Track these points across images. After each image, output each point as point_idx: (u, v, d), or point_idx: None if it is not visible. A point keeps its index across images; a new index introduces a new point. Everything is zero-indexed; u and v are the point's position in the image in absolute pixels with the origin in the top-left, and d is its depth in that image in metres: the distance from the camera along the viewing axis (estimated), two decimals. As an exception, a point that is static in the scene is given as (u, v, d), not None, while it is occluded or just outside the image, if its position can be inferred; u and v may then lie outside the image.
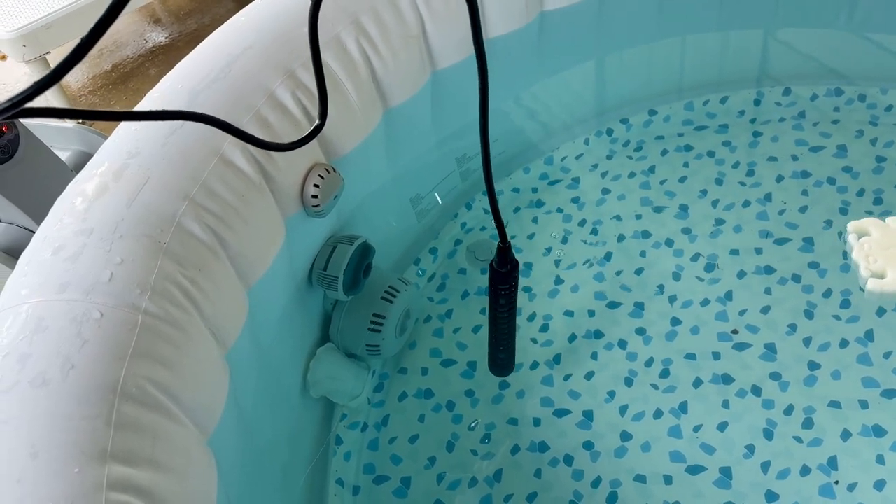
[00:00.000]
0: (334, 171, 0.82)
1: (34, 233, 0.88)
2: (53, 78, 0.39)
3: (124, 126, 0.74)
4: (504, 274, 0.76)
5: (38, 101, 0.40)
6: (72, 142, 0.95)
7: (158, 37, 2.05)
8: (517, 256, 1.05)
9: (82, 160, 0.95)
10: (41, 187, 0.87)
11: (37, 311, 0.57)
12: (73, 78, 1.96)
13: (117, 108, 1.84)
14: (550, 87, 1.10)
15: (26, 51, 1.59)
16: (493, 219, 0.72)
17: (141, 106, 0.76)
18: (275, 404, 0.84)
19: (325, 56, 0.81)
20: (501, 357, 0.88)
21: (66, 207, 0.66)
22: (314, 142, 0.81)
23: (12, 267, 0.85)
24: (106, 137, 0.98)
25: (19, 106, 0.39)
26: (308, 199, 0.80)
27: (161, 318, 0.60)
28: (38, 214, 0.87)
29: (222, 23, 0.84)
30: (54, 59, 1.74)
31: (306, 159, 0.80)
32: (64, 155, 0.92)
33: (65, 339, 0.55)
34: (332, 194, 0.81)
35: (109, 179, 0.67)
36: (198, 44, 0.81)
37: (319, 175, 0.80)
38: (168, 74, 0.80)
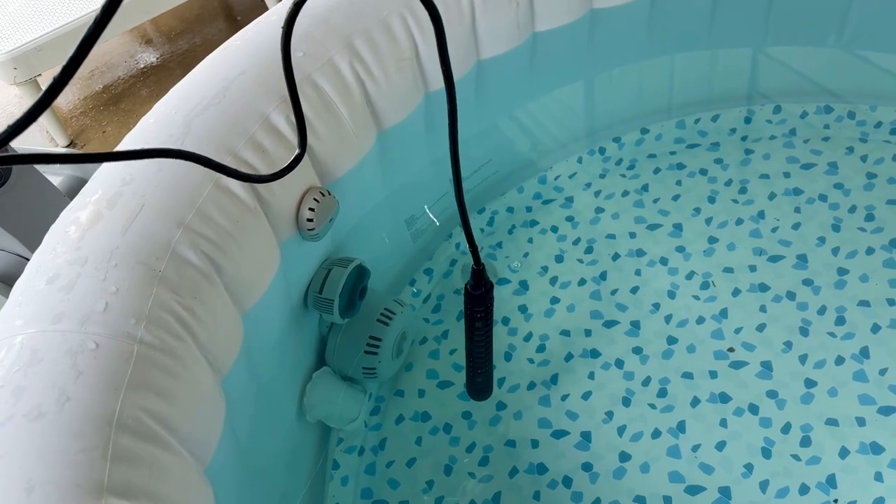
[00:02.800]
0: (329, 194, 0.82)
1: (28, 260, 0.88)
2: (44, 102, 0.39)
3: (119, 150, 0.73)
4: (479, 296, 0.76)
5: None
6: (64, 167, 0.94)
7: (150, 57, 2.05)
8: (513, 276, 1.05)
9: (75, 185, 0.95)
10: (34, 214, 0.86)
11: (31, 343, 0.57)
12: (64, 99, 1.96)
13: (108, 130, 1.84)
14: (543, 106, 1.10)
15: (17, 73, 1.59)
16: (467, 241, 0.72)
17: (136, 130, 0.76)
18: (270, 430, 0.83)
19: (319, 80, 0.81)
20: (479, 381, 0.87)
21: (59, 236, 0.66)
22: (308, 165, 0.81)
23: (6, 295, 0.84)
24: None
25: (14, 136, 0.39)
26: (303, 223, 0.80)
27: (156, 347, 0.59)
28: (32, 241, 0.87)
29: (214, 43, 0.84)
30: (45, 82, 1.74)
31: (301, 183, 0.80)
32: (56, 180, 0.92)
33: (60, 371, 0.55)
34: (327, 217, 0.81)
35: (103, 207, 0.66)
36: (189, 64, 0.81)
37: (314, 199, 0.80)
38: (162, 99, 0.80)
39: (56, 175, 0.92)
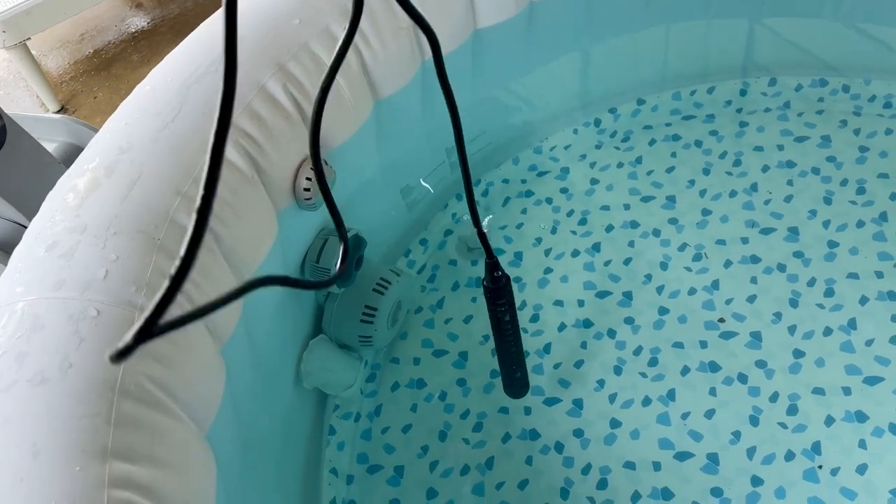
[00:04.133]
0: (327, 163, 0.82)
1: (24, 227, 0.88)
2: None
3: (114, 120, 0.73)
4: (500, 288, 0.77)
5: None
6: (58, 133, 0.94)
7: (140, 21, 2.02)
8: (507, 246, 1.06)
9: (69, 151, 0.94)
10: (30, 180, 0.86)
11: (33, 309, 0.57)
12: (54, 64, 1.93)
13: (99, 95, 1.82)
14: (539, 77, 1.10)
15: (6, 37, 1.56)
16: (479, 239, 0.72)
17: (132, 98, 0.75)
18: (268, 396, 0.84)
19: (316, 48, 0.81)
20: (518, 376, 0.87)
21: (58, 203, 0.66)
22: (305, 133, 0.81)
23: (4, 262, 0.84)
24: (93, 129, 0.98)
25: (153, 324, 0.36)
26: (300, 193, 0.80)
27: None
28: (27, 208, 0.87)
29: (206, 7, 0.84)
30: (35, 46, 1.72)
31: (298, 153, 0.80)
32: (51, 146, 0.91)
33: (62, 337, 0.55)
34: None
35: (101, 175, 0.67)
36: (181, 30, 0.81)
37: (312, 168, 0.80)
38: (157, 67, 0.80)
39: (50, 141, 0.91)
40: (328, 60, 0.81)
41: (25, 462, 0.49)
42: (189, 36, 0.82)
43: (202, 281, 0.66)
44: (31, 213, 0.87)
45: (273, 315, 0.83)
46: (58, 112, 1.78)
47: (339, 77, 0.83)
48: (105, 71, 1.89)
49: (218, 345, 0.68)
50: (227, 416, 0.68)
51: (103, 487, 0.50)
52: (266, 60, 0.77)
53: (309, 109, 0.80)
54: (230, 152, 0.72)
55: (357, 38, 0.84)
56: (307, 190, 0.80)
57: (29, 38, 1.63)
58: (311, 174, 0.80)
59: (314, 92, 0.80)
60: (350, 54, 0.84)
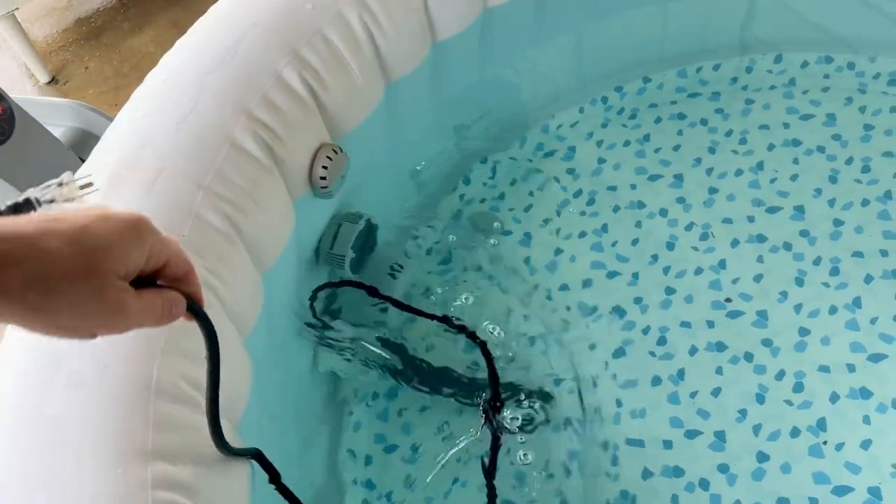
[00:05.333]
0: (341, 151, 0.82)
1: (34, 215, 0.87)
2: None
3: (130, 110, 0.73)
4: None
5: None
6: (65, 118, 0.92)
7: (128, -12, 1.97)
8: (516, 227, 1.07)
9: (76, 137, 0.93)
10: (39, 168, 0.85)
11: (63, 310, 0.57)
12: (42, 33, 1.89)
13: (91, 65, 1.78)
14: (546, 54, 1.09)
15: (-6, 9, 1.52)
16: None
17: (147, 87, 0.75)
18: (287, 382, 0.85)
19: (329, 33, 0.80)
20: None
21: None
22: (320, 122, 0.81)
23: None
24: (101, 113, 0.96)
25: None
26: (317, 181, 0.80)
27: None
28: (38, 197, 0.86)
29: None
30: (24, 18, 1.67)
31: (313, 140, 0.80)
32: (57, 132, 0.90)
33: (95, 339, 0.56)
34: (339, 174, 0.81)
35: (123, 170, 0.66)
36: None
37: (327, 156, 0.80)
38: (169, 52, 0.78)
39: (56, 126, 0.90)
40: (342, 46, 0.80)
41: (68, 466, 0.50)
42: (199, 21, 0.81)
43: (223, 271, 0.66)
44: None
45: (288, 303, 0.84)
46: (48, 83, 1.74)
47: (351, 61, 0.82)
48: (95, 40, 1.84)
49: (242, 337, 0.68)
50: (253, 406, 0.69)
51: (147, 489, 0.50)
52: (281, 47, 0.77)
53: (323, 96, 0.79)
54: (249, 143, 0.71)
55: (368, 21, 0.83)
56: (323, 178, 0.80)
57: (17, 9, 1.59)
58: (328, 162, 0.79)
59: (329, 78, 0.80)
60: (362, 37, 0.83)
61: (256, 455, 0.60)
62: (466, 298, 1.02)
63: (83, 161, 0.91)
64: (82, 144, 0.92)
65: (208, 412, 0.50)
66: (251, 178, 0.71)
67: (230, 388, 0.63)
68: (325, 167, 0.79)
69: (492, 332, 0.99)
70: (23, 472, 0.50)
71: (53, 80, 1.74)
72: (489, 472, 0.80)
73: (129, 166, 0.66)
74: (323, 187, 0.80)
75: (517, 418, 0.87)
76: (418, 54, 0.91)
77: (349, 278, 0.93)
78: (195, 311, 0.44)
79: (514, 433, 0.87)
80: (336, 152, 0.80)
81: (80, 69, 1.77)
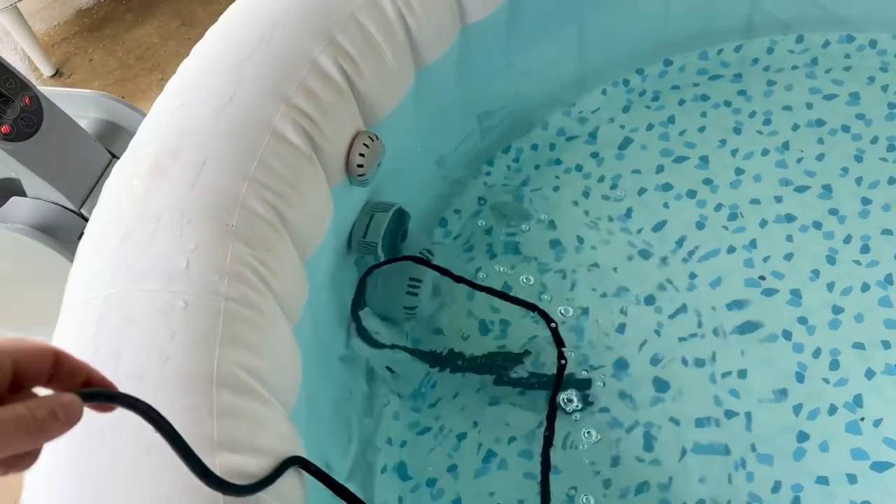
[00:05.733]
0: (377, 138, 0.81)
1: (64, 207, 0.86)
2: None
3: (166, 100, 0.71)
4: None
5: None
6: (90, 109, 0.91)
7: (129, -22, 1.95)
8: (542, 212, 1.07)
9: (102, 128, 0.92)
10: (68, 160, 0.84)
11: (118, 303, 0.57)
12: (43, 26, 1.86)
13: (95, 58, 1.76)
14: (569, 37, 1.09)
15: (-3, 1, 1.50)
16: None
17: (181, 78, 0.73)
18: (326, 372, 0.85)
19: (363, 18, 0.79)
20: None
21: (122, 190, 0.65)
22: (355, 109, 0.80)
23: (46, 243, 0.83)
24: (127, 104, 0.95)
25: None
26: (354, 169, 0.79)
27: (241, 301, 0.60)
28: (67, 188, 0.85)
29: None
30: (26, 10, 1.65)
31: (350, 128, 0.79)
32: (82, 123, 0.89)
33: (154, 331, 0.55)
34: (375, 162, 0.81)
35: (166, 160, 0.65)
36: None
37: (364, 144, 0.79)
38: (201, 43, 0.77)
39: (81, 118, 0.89)
40: (375, 31, 0.80)
41: (139, 460, 0.50)
42: (230, 9, 0.79)
43: (271, 261, 0.66)
44: (71, 193, 0.85)
45: (326, 292, 0.83)
46: (53, 77, 1.72)
47: (385, 46, 0.82)
48: (97, 31, 1.82)
49: (291, 326, 0.68)
50: (302, 399, 0.68)
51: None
52: (316, 33, 0.76)
53: (359, 82, 0.79)
54: (289, 131, 0.71)
55: (401, 5, 0.82)
56: (360, 166, 0.79)
57: (20, 0, 1.56)
58: (364, 149, 0.79)
59: (364, 64, 0.79)
60: (395, 21, 0.82)
61: (297, 462, 0.56)
62: (496, 284, 1.02)
63: (111, 153, 0.90)
64: (109, 136, 0.91)
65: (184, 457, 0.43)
66: (293, 166, 0.70)
67: (283, 383, 0.63)
68: (362, 154, 0.78)
69: (522, 318, 0.99)
70: (92, 471, 0.49)
71: (57, 73, 1.72)
72: (545, 461, 0.80)
73: (171, 157, 0.65)
74: (360, 175, 0.79)
75: (572, 400, 0.88)
76: (448, 38, 0.90)
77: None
78: (108, 395, 0.37)
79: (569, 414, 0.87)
80: (372, 140, 0.79)
81: (84, 62, 1.75)
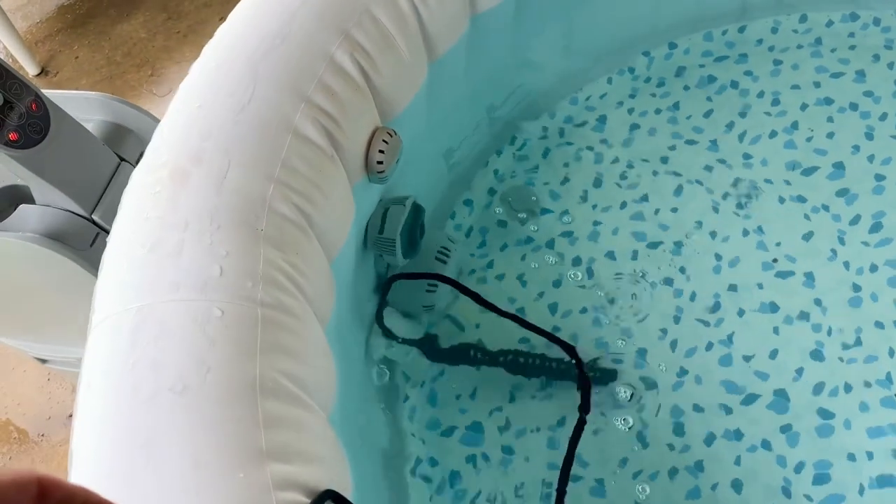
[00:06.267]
0: (395, 134, 0.80)
1: (75, 213, 0.84)
2: None
3: (183, 102, 0.70)
4: None
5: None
6: (95, 112, 0.89)
7: (109, -30, 1.90)
8: (554, 203, 1.06)
9: (108, 130, 0.89)
10: (77, 165, 0.82)
11: (153, 314, 0.55)
12: (25, 23, 1.81)
13: (81, 55, 1.72)
14: (574, 24, 1.07)
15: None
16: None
17: (196, 77, 0.72)
18: (349, 373, 0.84)
19: (377, 11, 0.77)
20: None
21: (145, 198, 0.63)
22: (372, 105, 0.79)
23: (59, 251, 0.81)
24: (132, 105, 0.92)
25: None
26: (373, 166, 0.78)
27: (277, 307, 0.59)
28: (78, 194, 0.83)
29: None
30: (3, 6, 1.60)
31: (368, 124, 0.78)
32: (88, 126, 0.87)
33: (193, 341, 0.54)
34: (395, 158, 0.80)
35: (188, 164, 0.64)
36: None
37: (384, 140, 0.78)
38: (213, 42, 0.75)
39: (86, 121, 0.87)
40: (389, 25, 0.78)
41: (189, 474, 0.49)
42: (239, 6, 0.78)
43: (302, 264, 0.64)
44: (81, 199, 0.83)
45: (348, 291, 0.82)
46: (38, 75, 1.68)
47: (399, 40, 0.80)
48: (81, 27, 1.77)
49: (323, 328, 0.67)
50: (337, 403, 0.67)
51: (269, 490, 0.49)
52: (331, 28, 0.74)
53: (375, 78, 0.77)
54: (310, 131, 0.69)
55: (413, -2, 0.81)
56: (380, 163, 0.78)
57: (1, -2, 1.52)
58: (384, 146, 0.77)
59: (379, 59, 0.78)
60: (408, 13, 0.80)
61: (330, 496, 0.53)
62: (510, 275, 1.02)
63: (118, 156, 0.88)
64: (115, 138, 0.89)
65: None
66: (316, 166, 0.69)
67: (322, 388, 0.62)
68: (381, 151, 0.77)
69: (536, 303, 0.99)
70: (145, 489, 0.48)
71: (43, 72, 1.68)
72: (570, 453, 0.80)
73: (193, 162, 0.64)
74: (380, 172, 0.78)
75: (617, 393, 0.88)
76: (459, 29, 0.89)
77: (400, 263, 0.91)
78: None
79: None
80: (391, 135, 0.78)
81: (70, 59, 1.71)
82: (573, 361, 0.88)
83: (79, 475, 0.51)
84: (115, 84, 1.63)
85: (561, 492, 0.80)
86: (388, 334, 0.90)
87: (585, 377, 0.84)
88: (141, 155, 0.92)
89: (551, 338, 0.89)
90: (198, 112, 0.68)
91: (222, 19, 1.77)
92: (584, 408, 0.84)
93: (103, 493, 0.51)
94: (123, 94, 1.59)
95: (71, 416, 1.20)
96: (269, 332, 0.57)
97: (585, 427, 0.87)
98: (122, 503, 0.49)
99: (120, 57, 1.69)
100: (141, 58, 1.66)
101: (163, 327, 0.54)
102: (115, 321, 0.56)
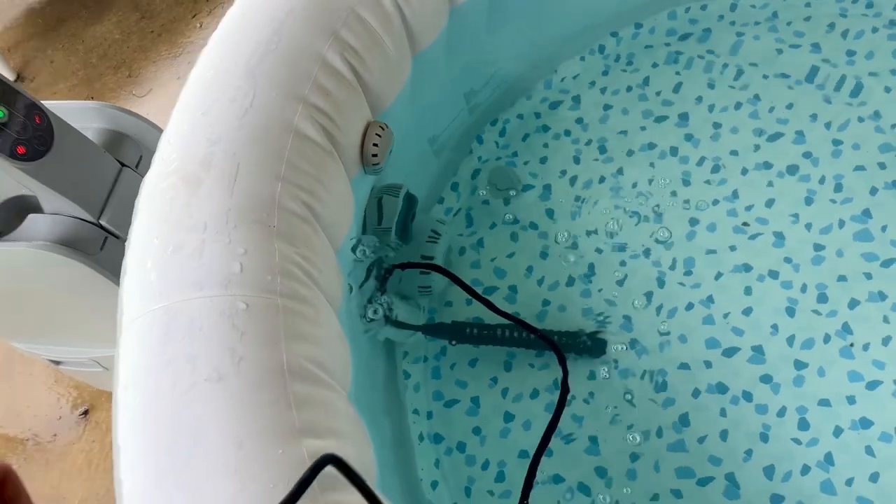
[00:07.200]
0: (387, 127, 0.84)
1: (83, 220, 0.88)
2: None
3: (186, 110, 0.73)
4: None
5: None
6: (93, 120, 0.91)
7: (77, -25, 1.90)
8: (535, 181, 1.11)
9: (108, 138, 0.93)
10: (82, 173, 0.85)
11: (183, 312, 0.60)
12: (-3, 28, 1.81)
13: (56, 59, 1.72)
14: (545, 9, 1.12)
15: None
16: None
17: (195, 85, 0.75)
18: (357, 354, 0.89)
19: (362, 11, 0.81)
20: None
21: (161, 203, 0.67)
22: (363, 100, 0.83)
23: (72, 256, 0.85)
24: (128, 112, 0.96)
25: None
26: (369, 159, 0.82)
27: (294, 297, 0.63)
28: (85, 201, 0.86)
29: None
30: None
31: (361, 119, 0.82)
32: (87, 134, 0.90)
33: (223, 333, 0.58)
34: (388, 149, 0.84)
35: (199, 170, 0.67)
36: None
37: (377, 133, 0.82)
38: (210, 45, 0.79)
39: (86, 129, 0.90)
40: (375, 23, 0.82)
41: (233, 455, 0.53)
42: (229, 14, 0.81)
43: (312, 256, 0.69)
44: (89, 206, 0.87)
45: (349, 278, 0.87)
46: (14, 82, 1.68)
47: (385, 37, 0.84)
48: (54, 31, 1.77)
49: (336, 315, 0.72)
50: (352, 385, 0.72)
51: (306, 463, 0.54)
52: (321, 30, 0.78)
53: (365, 75, 0.81)
54: (310, 130, 0.73)
55: (394, -4, 0.85)
56: (375, 156, 0.82)
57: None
58: (377, 139, 0.82)
59: (368, 57, 0.82)
60: (392, 11, 0.84)
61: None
62: (498, 254, 1.07)
63: (119, 162, 0.92)
64: (114, 144, 0.92)
65: None
66: (317, 163, 0.73)
67: (340, 369, 0.67)
68: (375, 144, 0.82)
69: (526, 280, 1.05)
70: (196, 472, 0.53)
71: (20, 78, 1.69)
72: (555, 416, 0.86)
73: (203, 167, 0.68)
74: (375, 164, 0.82)
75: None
76: (439, 22, 0.93)
77: (395, 249, 0.96)
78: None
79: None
80: (383, 129, 0.83)
81: (46, 64, 1.71)
82: (558, 335, 0.95)
83: (127, 470, 0.55)
84: (93, 87, 1.64)
85: (534, 464, 0.86)
86: (389, 319, 0.95)
87: (563, 357, 0.90)
88: (140, 159, 0.96)
89: (527, 326, 0.94)
90: (203, 119, 0.71)
91: (195, 17, 1.79)
92: (564, 385, 0.89)
93: (153, 482, 0.55)
94: (103, 97, 1.60)
95: (84, 413, 1.24)
96: (290, 320, 0.61)
97: (578, 391, 0.94)
98: (171, 487, 0.53)
99: (95, 59, 1.70)
100: (117, 59, 1.67)
101: (192, 323, 0.59)
102: (145, 321, 0.60)
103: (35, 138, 0.80)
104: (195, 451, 0.54)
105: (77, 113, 0.91)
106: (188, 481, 0.53)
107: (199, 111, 0.72)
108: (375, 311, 0.94)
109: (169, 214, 0.66)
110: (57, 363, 1.06)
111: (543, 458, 0.93)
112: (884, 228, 0.97)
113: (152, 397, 0.56)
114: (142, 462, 0.55)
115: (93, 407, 1.25)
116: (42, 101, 0.84)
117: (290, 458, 0.54)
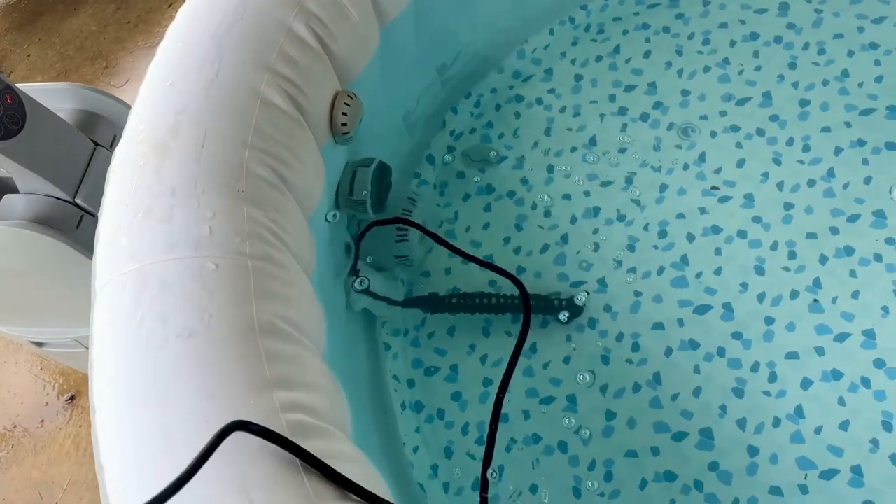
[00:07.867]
0: (356, 96, 0.85)
1: (59, 199, 0.88)
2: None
3: (154, 81, 0.74)
4: None
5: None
6: (66, 101, 0.92)
7: (51, -30, 1.90)
8: (509, 152, 1.13)
9: (80, 118, 0.93)
10: (56, 152, 0.86)
11: (154, 273, 0.61)
12: (-30, 29, 1.81)
13: (32, 53, 1.72)
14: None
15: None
16: None
17: (164, 57, 0.76)
18: (333, 323, 0.90)
19: (327, -17, 0.82)
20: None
21: (131, 171, 0.68)
22: (331, 70, 0.84)
23: (48, 234, 0.85)
24: (100, 92, 0.96)
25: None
26: (338, 127, 0.84)
27: (265, 259, 0.65)
28: (60, 180, 0.87)
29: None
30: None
31: (329, 89, 0.83)
32: (60, 115, 0.90)
33: (193, 293, 0.60)
34: (357, 119, 0.85)
35: (167, 138, 0.69)
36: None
37: (345, 102, 0.83)
38: (176, 21, 0.80)
39: (59, 110, 0.90)
40: (340, -6, 0.83)
41: (203, 405, 0.55)
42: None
43: (282, 220, 0.70)
44: (63, 184, 0.88)
45: (324, 248, 0.88)
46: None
47: (350, 7, 0.85)
48: (30, 25, 1.78)
49: (309, 279, 0.73)
50: (326, 348, 0.74)
51: (278, 412, 0.56)
52: (286, 1, 0.79)
53: (332, 45, 0.82)
54: (277, 98, 0.75)
55: (359, -32, 0.86)
56: (344, 124, 0.83)
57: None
58: (346, 108, 0.83)
59: (333, 27, 0.83)
60: (356, -16, 0.85)
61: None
62: (475, 224, 1.09)
63: (94, 141, 0.92)
64: (88, 125, 0.93)
65: None
66: (285, 130, 0.74)
67: (313, 329, 0.68)
68: (344, 113, 0.83)
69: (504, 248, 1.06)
70: (165, 422, 0.54)
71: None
72: (509, 369, 0.88)
73: (171, 134, 0.69)
74: (345, 133, 0.84)
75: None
76: (406, -6, 0.94)
77: (371, 220, 0.97)
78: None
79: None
80: (352, 98, 0.84)
81: (23, 58, 1.72)
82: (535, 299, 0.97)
83: (103, 424, 0.57)
84: (71, 79, 1.64)
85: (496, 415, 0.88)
86: (366, 291, 0.96)
87: (528, 306, 0.92)
88: (114, 139, 0.96)
89: (504, 273, 0.95)
90: (170, 88, 0.72)
91: (171, 6, 1.79)
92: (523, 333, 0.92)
93: (126, 432, 0.56)
94: (80, 88, 1.60)
95: (70, 398, 1.25)
96: (261, 280, 0.63)
97: (555, 354, 0.96)
98: (145, 439, 0.55)
99: (72, 52, 1.70)
100: (94, 51, 1.68)
101: (163, 283, 0.60)
102: (118, 283, 0.62)
103: (7, 117, 0.81)
104: (166, 403, 0.55)
105: (50, 94, 0.92)
106: (161, 433, 0.54)
107: (167, 81, 0.73)
108: (361, 283, 0.95)
109: (139, 181, 0.67)
110: (40, 345, 1.07)
111: (521, 420, 0.95)
112: (845, 186, 0.99)
113: (125, 354, 0.58)
114: (116, 417, 0.56)
115: (79, 393, 1.26)
116: (14, 83, 0.85)
117: (261, 407, 0.55)
